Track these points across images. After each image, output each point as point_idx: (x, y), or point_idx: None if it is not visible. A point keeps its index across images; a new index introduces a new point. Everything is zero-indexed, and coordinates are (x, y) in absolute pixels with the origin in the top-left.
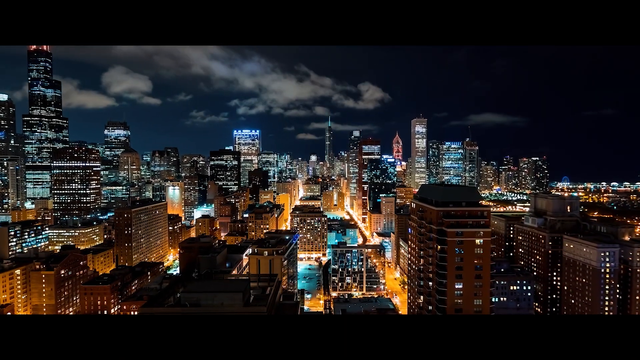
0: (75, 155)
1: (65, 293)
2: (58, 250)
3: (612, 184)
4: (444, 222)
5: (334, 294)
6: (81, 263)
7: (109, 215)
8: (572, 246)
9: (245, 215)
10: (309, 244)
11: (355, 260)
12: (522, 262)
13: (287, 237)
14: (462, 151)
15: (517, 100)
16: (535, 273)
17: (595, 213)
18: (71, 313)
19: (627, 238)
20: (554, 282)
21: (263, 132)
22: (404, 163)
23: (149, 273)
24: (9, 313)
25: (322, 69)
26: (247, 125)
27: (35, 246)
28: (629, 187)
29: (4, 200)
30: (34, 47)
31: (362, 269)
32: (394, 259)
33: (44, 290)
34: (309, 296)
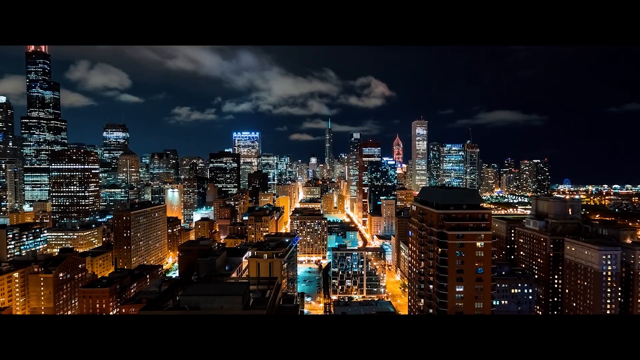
0: (74, 157)
1: (64, 296)
2: (56, 253)
3: (614, 186)
4: (445, 225)
5: (334, 297)
6: (80, 266)
7: (107, 217)
8: (573, 249)
9: (245, 218)
10: (309, 247)
11: (356, 263)
12: (524, 265)
13: (287, 240)
14: (462, 153)
15: (531, 98)
16: (536, 276)
17: (597, 216)
18: None
19: (628, 241)
20: (556, 285)
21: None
22: (404, 165)
23: (148, 276)
24: None
25: (319, 62)
26: (234, 123)
27: (33, 249)
28: (631, 189)
29: (2, 203)
30: (32, 48)
31: (363, 272)
32: (394, 261)
33: (42, 293)
34: (309, 299)
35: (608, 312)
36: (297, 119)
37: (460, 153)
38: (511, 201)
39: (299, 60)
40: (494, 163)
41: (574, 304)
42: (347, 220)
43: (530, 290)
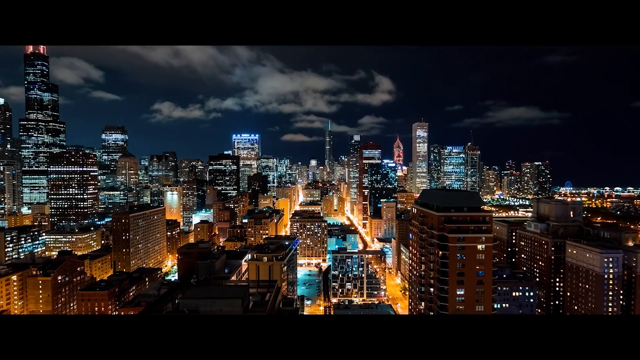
0: (73, 159)
1: (62, 299)
2: (55, 256)
3: (616, 189)
4: (446, 228)
5: (334, 300)
6: (78, 269)
7: (106, 220)
8: (575, 252)
9: (245, 221)
10: (308, 250)
11: (356, 266)
12: (525, 268)
13: (286, 243)
14: (463, 156)
15: (552, 95)
16: (537, 279)
17: (599, 218)
18: None
19: (630, 244)
20: (557, 288)
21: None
22: (405, 168)
23: (147, 279)
24: None
25: (317, 57)
26: (220, 122)
27: (32, 252)
28: (633, 192)
29: (0, 206)
30: (31, 50)
31: (363, 275)
32: (394, 264)
33: (40, 296)
34: (308, 302)
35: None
36: (290, 117)
37: (461, 155)
38: (512, 204)
39: (293, 55)
40: (495, 165)
41: (576, 307)
42: (347, 222)
43: (532, 294)
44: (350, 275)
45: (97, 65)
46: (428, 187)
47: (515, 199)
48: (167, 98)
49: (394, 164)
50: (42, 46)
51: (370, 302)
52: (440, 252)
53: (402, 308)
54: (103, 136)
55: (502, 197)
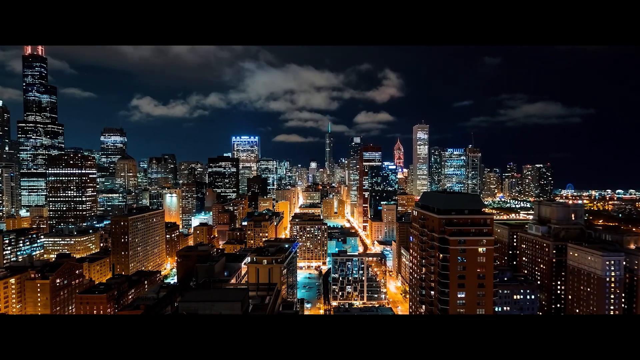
0: (71, 162)
1: (61, 302)
2: (53, 259)
3: (618, 191)
4: (446, 230)
5: (334, 303)
6: (77, 272)
7: (105, 223)
8: (576, 255)
9: (244, 223)
10: (308, 253)
11: (356, 269)
12: (526, 271)
13: (286, 246)
14: (464, 158)
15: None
16: (539, 282)
17: (600, 221)
18: None
19: (632, 246)
20: (558, 291)
21: (226, 134)
22: (405, 170)
23: (146, 282)
24: None
25: (316, 53)
26: (205, 121)
27: (30, 254)
28: (635, 194)
29: None
30: (29, 52)
31: (363, 278)
32: (395, 267)
33: (39, 299)
34: (308, 305)
35: None
36: (278, 115)
37: (461, 157)
38: (513, 206)
39: (287, 49)
40: (496, 167)
41: (577, 310)
42: (348, 225)
43: (533, 297)
44: (350, 278)
45: (67, 60)
46: (429, 189)
47: (517, 202)
48: (147, 94)
49: (394, 166)
50: (40, 48)
51: (370, 306)
52: (441, 255)
53: (402, 311)
54: (102, 138)
55: (503, 199)
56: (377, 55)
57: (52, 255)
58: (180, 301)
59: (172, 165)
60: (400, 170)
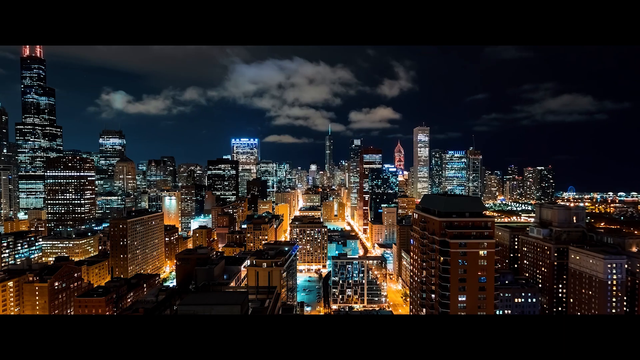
0: (70, 164)
1: (59, 306)
2: (52, 262)
3: (619, 194)
4: (447, 233)
5: (334, 307)
6: (75, 275)
7: (104, 226)
8: (578, 257)
9: (244, 226)
10: (308, 256)
11: (356, 272)
12: (527, 274)
13: (286, 249)
14: (465, 160)
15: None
16: (540, 285)
17: (602, 224)
18: None
19: (634, 249)
20: (560, 294)
21: (225, 136)
22: (405, 172)
23: (144, 285)
24: None
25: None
26: (185, 119)
27: (28, 257)
28: (637, 197)
29: None
30: (27, 53)
31: (363, 281)
32: (395, 270)
33: (37, 302)
34: (308, 309)
35: None
36: (267, 111)
37: (462, 160)
38: (514, 209)
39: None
40: (497, 170)
41: (579, 314)
42: (348, 228)
43: (534, 300)
44: (350, 281)
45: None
46: (429, 192)
47: (518, 204)
48: (118, 87)
49: (395, 169)
50: (38, 50)
51: (370, 309)
52: (442, 258)
53: (403, 314)
54: (100, 140)
55: (504, 202)
56: (382, 48)
57: (50, 258)
58: (180, 304)
59: (171, 168)
60: (400, 172)
